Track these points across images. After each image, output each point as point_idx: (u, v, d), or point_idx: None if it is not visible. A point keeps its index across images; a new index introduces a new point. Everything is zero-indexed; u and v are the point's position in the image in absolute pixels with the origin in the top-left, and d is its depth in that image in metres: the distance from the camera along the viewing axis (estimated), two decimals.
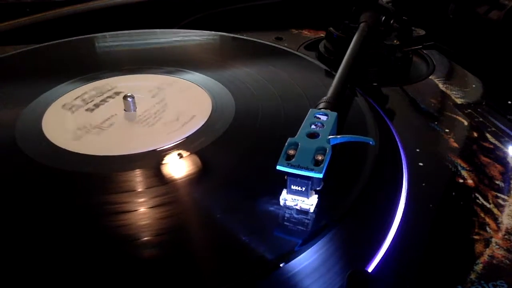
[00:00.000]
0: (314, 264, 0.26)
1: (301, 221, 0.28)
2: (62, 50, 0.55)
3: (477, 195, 0.35)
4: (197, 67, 0.49)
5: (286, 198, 0.29)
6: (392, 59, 0.53)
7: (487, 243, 0.31)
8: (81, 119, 0.40)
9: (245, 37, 0.59)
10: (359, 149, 0.35)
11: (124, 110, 0.41)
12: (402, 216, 0.32)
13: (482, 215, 0.33)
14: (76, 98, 0.43)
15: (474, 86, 0.52)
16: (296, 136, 0.30)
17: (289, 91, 0.44)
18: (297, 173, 0.27)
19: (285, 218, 0.28)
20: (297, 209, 0.29)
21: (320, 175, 0.27)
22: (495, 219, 0.33)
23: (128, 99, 0.40)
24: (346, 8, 0.55)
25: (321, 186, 0.29)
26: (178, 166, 0.34)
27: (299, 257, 0.26)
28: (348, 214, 0.29)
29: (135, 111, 0.41)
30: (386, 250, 0.29)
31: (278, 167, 0.28)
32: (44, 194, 0.31)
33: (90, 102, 0.43)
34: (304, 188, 0.28)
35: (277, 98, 0.42)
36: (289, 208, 0.29)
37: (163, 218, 0.29)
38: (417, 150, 0.40)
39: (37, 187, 0.32)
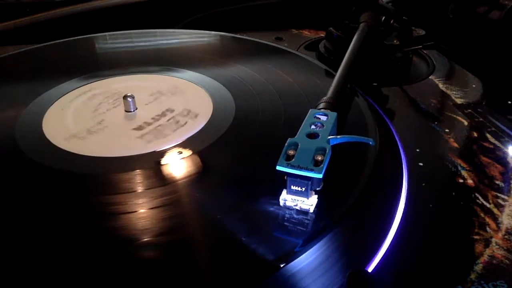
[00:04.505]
0: (314, 264, 0.26)
1: (301, 221, 0.28)
2: (62, 50, 0.55)
3: (477, 195, 0.35)
4: (197, 67, 0.49)
5: (286, 199, 0.29)
6: (392, 59, 0.53)
7: (487, 243, 0.31)
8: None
9: (245, 37, 0.59)
10: (359, 149, 0.35)
11: (124, 110, 0.41)
12: (402, 216, 0.32)
13: (482, 215, 0.33)
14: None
15: (474, 86, 0.52)
16: (296, 136, 0.30)
17: (289, 91, 0.44)
18: (296, 173, 0.27)
19: (285, 218, 0.28)
20: (297, 210, 0.29)
21: (320, 175, 0.27)
22: (495, 219, 0.33)
23: (128, 99, 0.40)
24: (346, 8, 0.55)
25: (321, 187, 0.29)
26: (179, 167, 0.34)
27: (299, 258, 0.26)
28: (348, 214, 0.29)
29: (135, 111, 0.41)
30: (386, 250, 0.29)
31: (278, 167, 0.28)
32: (44, 194, 0.31)
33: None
34: (304, 189, 0.28)
35: (277, 98, 0.42)
36: (289, 208, 0.29)
37: (163, 218, 0.29)
38: (417, 150, 0.40)
39: (37, 188, 0.32)
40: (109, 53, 0.56)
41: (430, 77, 0.54)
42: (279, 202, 0.29)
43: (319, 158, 0.28)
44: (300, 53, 0.55)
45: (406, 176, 0.36)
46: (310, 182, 0.28)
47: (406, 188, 0.35)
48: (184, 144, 0.36)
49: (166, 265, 0.26)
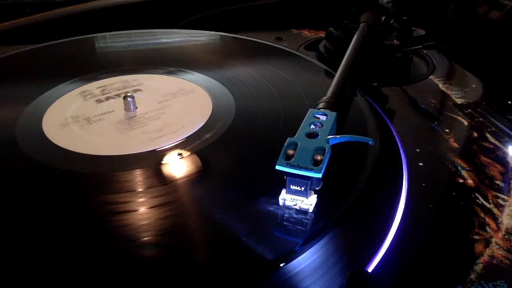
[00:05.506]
0: (314, 264, 0.26)
1: (300, 221, 0.28)
2: (62, 50, 0.55)
3: (477, 195, 0.35)
4: (197, 67, 0.49)
5: (285, 198, 0.29)
6: (392, 59, 0.53)
7: (487, 243, 0.31)
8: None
9: (245, 37, 0.59)
10: (359, 149, 0.35)
11: (124, 110, 0.41)
12: (402, 216, 0.32)
13: (482, 215, 0.33)
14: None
15: (474, 86, 0.52)
16: (295, 136, 0.30)
17: (289, 91, 0.44)
18: (296, 173, 0.27)
19: (285, 218, 0.28)
20: (296, 209, 0.29)
21: (319, 175, 0.27)
22: (495, 219, 0.33)
23: (128, 99, 0.40)
24: (346, 8, 0.55)
25: (320, 186, 0.29)
26: (178, 166, 0.34)
27: (299, 257, 0.26)
28: (348, 214, 0.29)
29: (135, 111, 0.41)
30: (386, 250, 0.29)
31: (277, 167, 0.28)
32: (44, 194, 0.31)
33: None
34: (303, 188, 0.28)
35: (277, 98, 0.42)
36: (288, 208, 0.29)
37: (163, 218, 0.29)
38: (417, 150, 0.40)
39: (38, 187, 0.32)
40: (109, 53, 0.56)
41: (430, 77, 0.54)
42: (278, 201, 0.29)
43: (319, 158, 0.28)
44: (300, 53, 0.55)
45: (406, 176, 0.36)
46: (309, 182, 0.28)
47: (406, 188, 0.35)
48: (184, 144, 0.36)
49: (166, 264, 0.26)
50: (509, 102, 0.48)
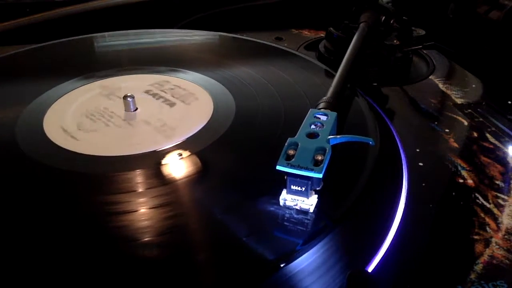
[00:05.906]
0: (314, 264, 0.26)
1: (301, 221, 0.28)
2: (62, 50, 0.55)
3: (477, 195, 0.35)
4: (197, 67, 0.49)
5: (286, 198, 0.29)
6: (392, 59, 0.53)
7: (487, 243, 0.31)
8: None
9: (245, 37, 0.59)
10: (359, 149, 0.35)
11: (124, 110, 0.41)
12: (402, 216, 0.32)
13: (482, 215, 0.33)
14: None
15: (474, 86, 0.52)
16: (296, 136, 0.30)
17: (289, 91, 0.44)
18: (296, 173, 0.27)
19: (285, 218, 0.28)
20: (297, 209, 0.29)
21: (320, 175, 0.27)
22: (495, 219, 0.33)
23: (128, 99, 0.40)
24: (346, 8, 0.55)
25: (320, 186, 0.29)
26: (179, 167, 0.34)
27: (299, 258, 0.26)
28: (348, 214, 0.29)
29: (135, 111, 0.41)
30: (386, 250, 0.29)
31: (278, 167, 0.28)
32: (45, 194, 0.31)
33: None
34: (303, 188, 0.28)
35: (277, 98, 0.42)
36: (289, 208, 0.29)
37: (163, 218, 0.29)
38: (417, 150, 0.40)
39: (38, 187, 0.32)
40: (109, 53, 0.56)
41: (430, 77, 0.54)
42: (279, 202, 0.29)
43: (319, 158, 0.28)
44: (300, 53, 0.55)
45: (406, 176, 0.36)
46: (310, 182, 0.28)
47: (406, 188, 0.35)
48: (184, 144, 0.36)
49: (166, 264, 0.26)
50: (509, 102, 0.48)
